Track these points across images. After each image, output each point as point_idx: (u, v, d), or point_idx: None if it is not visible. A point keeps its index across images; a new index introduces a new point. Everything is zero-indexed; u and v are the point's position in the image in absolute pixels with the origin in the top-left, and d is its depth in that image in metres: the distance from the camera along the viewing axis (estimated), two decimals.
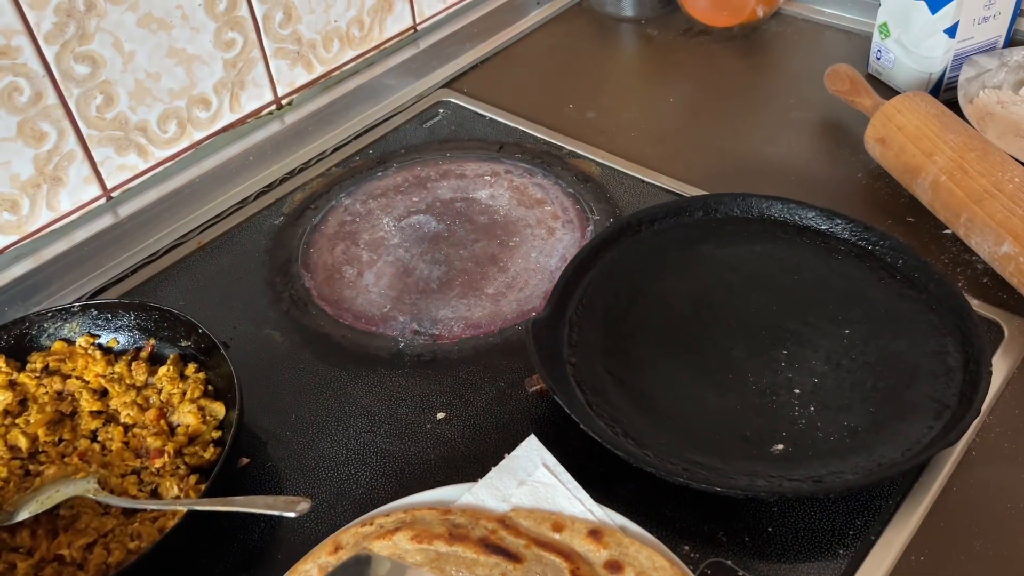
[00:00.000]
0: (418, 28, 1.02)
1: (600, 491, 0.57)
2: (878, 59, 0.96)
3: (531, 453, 0.58)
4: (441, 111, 0.98)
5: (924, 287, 0.70)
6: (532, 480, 0.57)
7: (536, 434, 0.61)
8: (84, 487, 0.58)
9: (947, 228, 0.77)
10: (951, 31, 0.87)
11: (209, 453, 0.61)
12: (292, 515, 0.51)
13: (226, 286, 0.79)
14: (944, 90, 0.90)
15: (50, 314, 0.68)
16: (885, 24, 0.93)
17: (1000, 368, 0.66)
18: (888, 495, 0.58)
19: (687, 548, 0.56)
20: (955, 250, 0.76)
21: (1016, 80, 0.89)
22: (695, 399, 0.64)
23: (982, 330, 0.64)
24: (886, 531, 0.56)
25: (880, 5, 0.93)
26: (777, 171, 0.87)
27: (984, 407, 0.62)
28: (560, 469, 0.57)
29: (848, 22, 1.06)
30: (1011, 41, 0.91)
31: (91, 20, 0.73)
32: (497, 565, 0.54)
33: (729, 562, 0.55)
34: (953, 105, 0.84)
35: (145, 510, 0.57)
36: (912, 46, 0.90)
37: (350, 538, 0.55)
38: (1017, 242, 0.68)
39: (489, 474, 0.58)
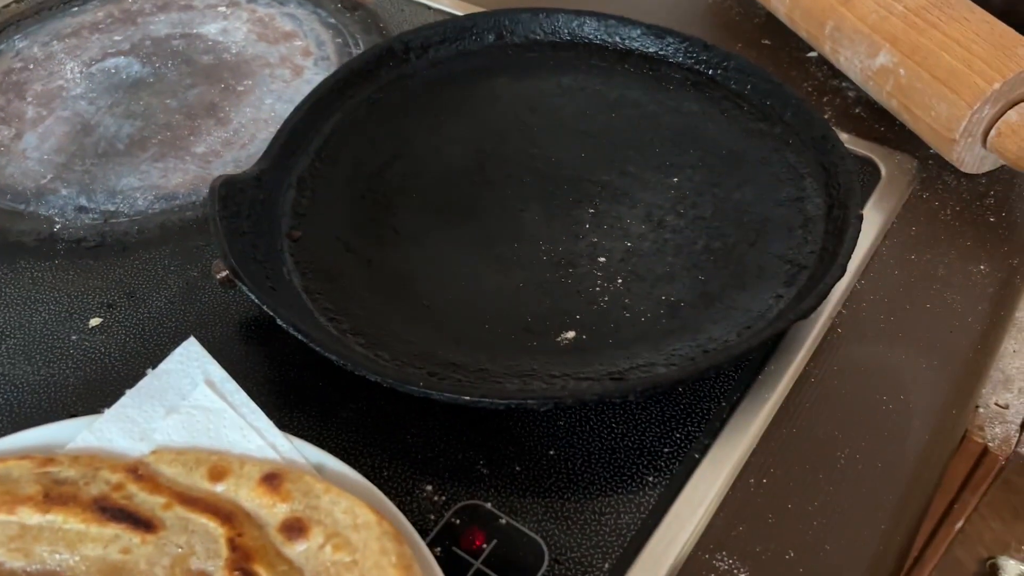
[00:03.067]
0: None
1: (318, 415, 0.39)
2: None
3: (188, 365, 0.38)
4: None
5: (779, 118, 0.52)
6: (188, 405, 0.37)
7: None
8: None
9: (811, 51, 0.60)
10: None
11: None
12: None
13: None
14: None
15: None
16: None
17: (875, 217, 0.49)
18: (720, 395, 0.41)
19: (429, 489, 0.38)
20: (821, 76, 0.58)
21: None
22: (466, 279, 0.46)
23: (851, 166, 0.47)
24: (715, 446, 0.39)
25: None
26: None
27: (853, 267, 0.45)
28: (231, 387, 0.37)
29: None
30: None
31: None
32: (117, 538, 0.34)
33: (489, 504, 0.37)
34: None
35: None
36: None
37: None
38: (896, 48, 0.51)
39: (122, 399, 0.37)
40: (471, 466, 0.39)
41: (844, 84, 0.57)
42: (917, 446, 0.40)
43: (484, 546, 0.36)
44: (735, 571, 0.35)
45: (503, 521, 0.37)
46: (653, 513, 0.37)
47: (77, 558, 0.34)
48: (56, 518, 0.34)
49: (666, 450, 0.39)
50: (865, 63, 0.53)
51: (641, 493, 0.38)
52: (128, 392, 0.37)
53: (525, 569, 0.35)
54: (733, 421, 0.40)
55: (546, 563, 0.36)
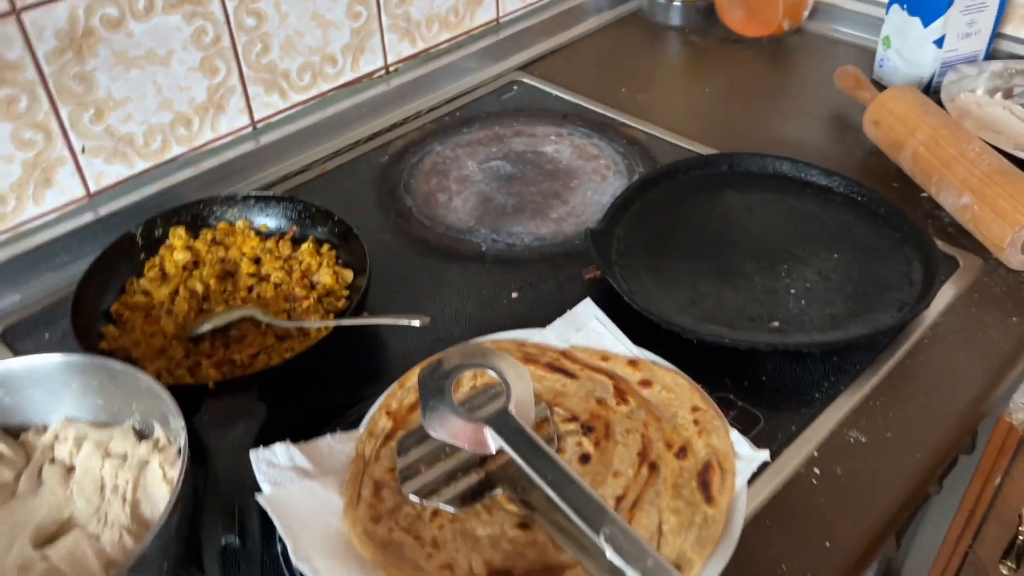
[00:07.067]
0: (500, 21, 1.24)
1: (638, 343, 0.76)
2: (880, 67, 1.15)
3: (586, 309, 0.77)
4: (515, 88, 1.19)
5: (900, 228, 0.88)
6: (587, 328, 0.76)
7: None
8: (251, 312, 0.78)
9: (924, 192, 0.96)
10: (939, 43, 1.06)
11: (341, 303, 0.81)
12: (417, 324, 0.70)
13: (344, 203, 0.98)
14: (932, 92, 1.09)
15: (219, 200, 0.88)
16: (887, 37, 1.13)
17: (952, 289, 0.84)
18: (856, 362, 0.76)
19: (700, 386, 0.75)
20: (928, 207, 0.95)
21: (991, 87, 1.08)
22: (713, 294, 0.83)
23: (939, 255, 0.83)
24: (852, 384, 0.75)
25: (884, 21, 1.13)
26: (790, 146, 1.06)
27: (937, 312, 0.80)
28: (608, 322, 0.76)
29: (857, 39, 1.27)
30: (990, 55, 1.10)
31: None
32: (559, 379, 0.72)
33: (731, 396, 0.74)
34: (940, 104, 1.03)
35: (301, 328, 0.77)
36: (908, 55, 1.10)
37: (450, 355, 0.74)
38: (973, 195, 0.87)
39: (553, 323, 0.77)
40: (721, 379, 0.75)
41: (942, 214, 0.93)
42: (956, 407, 0.74)
43: (730, 413, 0.73)
44: (860, 439, 0.70)
45: (740, 404, 0.73)
46: (816, 409, 0.72)
47: (539, 386, 0.72)
48: (530, 368, 0.73)
49: (825, 384, 0.75)
50: (955, 201, 0.89)
51: (812, 405, 0.73)
52: (555, 320, 0.77)
53: (751, 424, 0.71)
54: (862, 375, 0.75)
55: (761, 423, 0.72)
